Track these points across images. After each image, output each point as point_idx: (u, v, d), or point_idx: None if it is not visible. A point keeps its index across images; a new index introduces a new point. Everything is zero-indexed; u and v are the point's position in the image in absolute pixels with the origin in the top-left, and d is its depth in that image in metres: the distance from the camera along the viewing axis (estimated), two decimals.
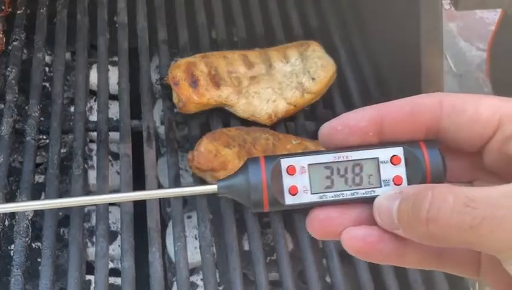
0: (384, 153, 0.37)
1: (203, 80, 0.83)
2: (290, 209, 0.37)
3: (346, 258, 0.75)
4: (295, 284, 0.72)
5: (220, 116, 0.85)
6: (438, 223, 0.31)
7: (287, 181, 0.36)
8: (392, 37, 0.91)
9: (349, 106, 0.89)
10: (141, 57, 0.90)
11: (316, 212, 0.36)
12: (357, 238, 0.35)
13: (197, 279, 0.81)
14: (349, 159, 0.37)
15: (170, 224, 0.78)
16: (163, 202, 0.86)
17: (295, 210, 0.40)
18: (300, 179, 0.37)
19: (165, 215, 0.85)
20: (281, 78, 0.85)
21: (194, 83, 0.82)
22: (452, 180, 0.37)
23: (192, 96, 0.82)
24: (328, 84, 0.88)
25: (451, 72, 1.17)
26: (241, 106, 0.83)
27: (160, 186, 0.81)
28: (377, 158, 0.37)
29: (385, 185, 0.36)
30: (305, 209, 0.37)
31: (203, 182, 0.77)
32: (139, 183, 0.78)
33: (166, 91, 0.86)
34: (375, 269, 0.75)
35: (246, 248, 0.79)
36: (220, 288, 0.76)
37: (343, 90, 0.91)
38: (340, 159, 0.37)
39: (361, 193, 0.36)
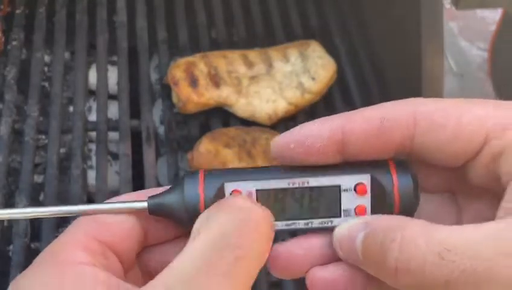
0: (347, 181, 0.32)
1: (203, 79, 0.82)
2: None
3: None
4: (295, 285, 0.72)
5: (220, 116, 0.85)
6: (408, 274, 0.27)
7: None
8: (393, 36, 0.91)
9: (350, 106, 0.89)
10: (140, 57, 0.90)
11: (277, 250, 0.32)
12: (325, 281, 0.31)
13: None
14: (306, 186, 0.32)
15: None
16: None
17: None
18: None
19: None
20: (281, 78, 0.85)
21: (193, 82, 0.82)
22: (432, 190, 0.33)
23: (192, 96, 0.82)
24: (328, 84, 0.88)
25: (452, 71, 1.17)
26: (241, 106, 0.83)
27: (159, 186, 0.81)
28: (339, 186, 0.32)
29: (345, 216, 0.32)
30: None
31: None
32: (138, 183, 0.78)
33: (166, 91, 0.86)
34: None
35: None
36: None
37: (343, 90, 0.91)
38: (294, 186, 0.32)
39: (316, 223, 0.32)
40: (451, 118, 0.29)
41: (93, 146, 0.87)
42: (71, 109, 0.87)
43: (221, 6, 0.98)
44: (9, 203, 0.77)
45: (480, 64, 1.21)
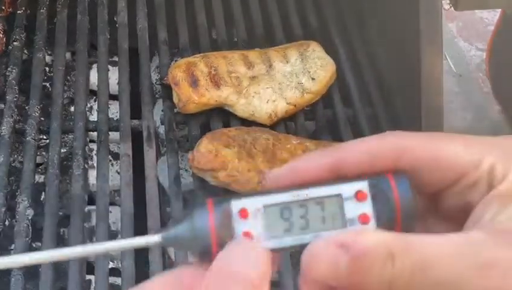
0: (348, 188, 0.32)
1: (203, 80, 0.83)
2: None
3: None
4: (295, 284, 0.73)
5: (220, 116, 0.85)
6: None
7: (239, 227, 0.32)
8: (392, 36, 0.92)
9: (349, 106, 0.89)
10: (141, 57, 0.90)
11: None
12: None
13: None
14: (310, 197, 0.33)
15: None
16: (163, 202, 0.86)
17: None
18: (254, 224, 0.32)
19: (165, 216, 0.86)
20: (281, 78, 0.85)
21: (194, 83, 0.82)
22: None
23: (192, 96, 0.82)
24: (328, 84, 0.88)
25: (451, 72, 1.17)
26: (241, 106, 0.83)
27: (160, 186, 0.81)
28: (340, 195, 0.33)
29: (350, 225, 0.32)
30: None
31: (202, 182, 0.77)
32: (139, 183, 0.79)
33: (167, 91, 0.86)
34: None
35: None
36: None
37: (343, 90, 0.91)
38: (300, 198, 0.32)
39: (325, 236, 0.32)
40: (430, 153, 0.33)
41: (94, 146, 0.87)
42: (72, 109, 0.88)
43: (221, 7, 0.98)
44: (11, 203, 0.77)
45: (479, 64, 1.21)
